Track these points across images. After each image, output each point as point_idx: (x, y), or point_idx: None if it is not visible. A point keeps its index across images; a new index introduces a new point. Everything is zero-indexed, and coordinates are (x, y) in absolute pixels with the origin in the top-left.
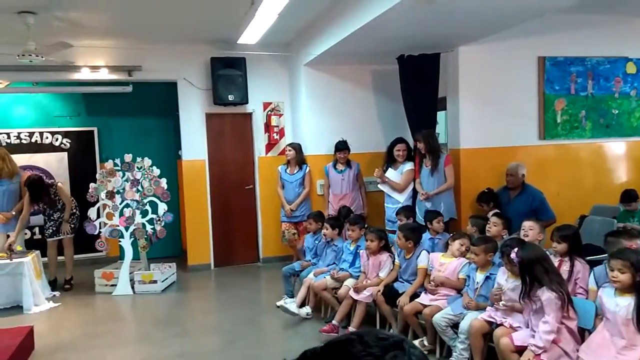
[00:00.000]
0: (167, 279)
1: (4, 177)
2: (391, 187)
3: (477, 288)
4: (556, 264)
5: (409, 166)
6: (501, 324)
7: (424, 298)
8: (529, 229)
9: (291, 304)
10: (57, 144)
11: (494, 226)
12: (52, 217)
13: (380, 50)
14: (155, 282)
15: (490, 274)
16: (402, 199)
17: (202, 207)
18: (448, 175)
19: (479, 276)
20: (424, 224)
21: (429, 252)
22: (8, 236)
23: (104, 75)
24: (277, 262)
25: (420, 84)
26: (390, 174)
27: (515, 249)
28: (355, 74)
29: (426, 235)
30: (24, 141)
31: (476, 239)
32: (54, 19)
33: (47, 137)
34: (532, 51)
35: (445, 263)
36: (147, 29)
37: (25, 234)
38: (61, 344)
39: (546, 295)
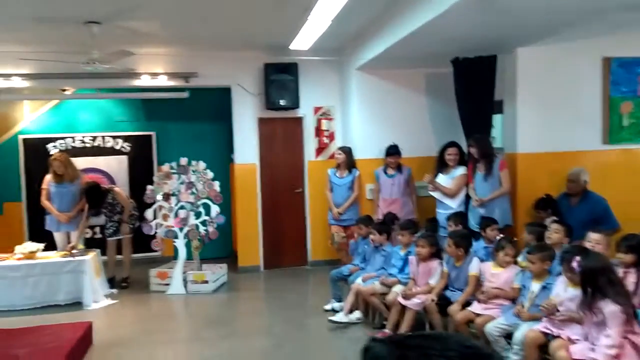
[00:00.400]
0: (218, 279)
1: (66, 180)
2: (442, 193)
3: (532, 298)
4: (621, 275)
5: (461, 171)
6: (558, 336)
7: (476, 307)
8: (596, 243)
9: (340, 315)
10: (117, 147)
11: (554, 233)
12: (112, 218)
13: (434, 53)
14: (206, 282)
15: (547, 283)
16: (455, 204)
17: (252, 209)
18: (503, 180)
19: (535, 285)
20: (477, 230)
21: (482, 261)
22: (69, 235)
23: (163, 81)
24: (325, 265)
25: (475, 86)
26: (441, 179)
27: (578, 258)
28: (407, 78)
29: (480, 244)
30: (87, 145)
31: (533, 247)
32: (116, 29)
33: (108, 141)
34: (596, 52)
35: (496, 273)
36: (203, 37)
37: (87, 233)
38: (117, 340)
39: (610, 307)
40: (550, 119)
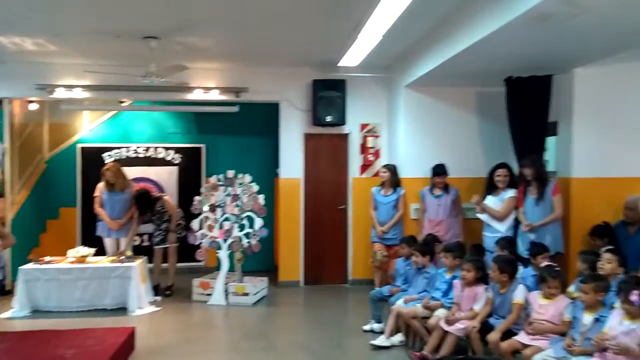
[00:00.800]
0: (258, 292)
1: (117, 189)
2: (490, 216)
3: (584, 331)
4: None
5: (510, 193)
6: None
7: (523, 336)
8: None
9: (382, 339)
10: (168, 158)
11: (607, 263)
12: (160, 227)
13: (486, 72)
14: (247, 294)
15: (601, 315)
16: (503, 228)
17: (295, 224)
18: (556, 205)
19: (587, 317)
20: (526, 257)
21: (530, 289)
22: (118, 241)
23: (214, 95)
24: (365, 285)
25: (529, 107)
26: (490, 201)
27: (637, 290)
28: (457, 96)
29: (529, 271)
30: (140, 155)
31: (586, 277)
32: (173, 44)
33: (160, 152)
34: None
35: (545, 305)
36: (255, 53)
37: (135, 240)
38: (159, 347)
39: None
40: (608, 142)
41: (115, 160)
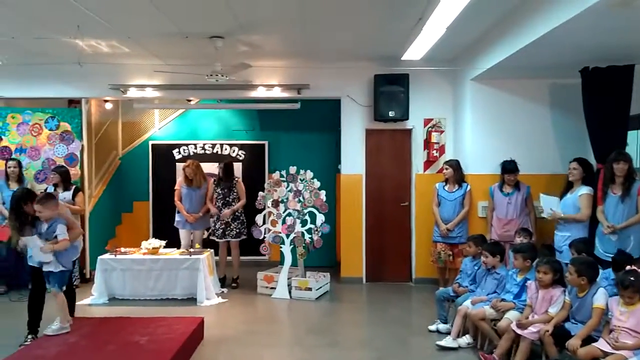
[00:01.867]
0: (321, 287)
1: (195, 185)
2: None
3: None
4: None
5: (585, 190)
6: None
7: (603, 344)
8: None
9: (449, 340)
10: (234, 155)
11: None
12: (218, 220)
13: (560, 63)
14: (310, 289)
15: None
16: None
17: (357, 220)
18: None
19: None
20: (605, 259)
21: (611, 294)
22: (192, 233)
23: (277, 93)
24: (430, 284)
25: (608, 99)
26: (564, 199)
27: None
28: (528, 88)
29: (609, 273)
30: (207, 152)
31: None
32: (237, 43)
33: (226, 149)
34: None
35: (626, 312)
36: (316, 50)
37: (204, 234)
38: (226, 337)
39: None
40: None
41: (193, 158)
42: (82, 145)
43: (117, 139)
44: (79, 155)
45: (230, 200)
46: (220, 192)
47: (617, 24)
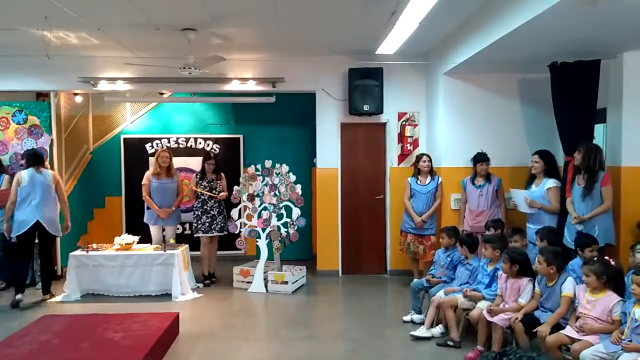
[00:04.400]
0: (297, 281)
1: (166, 176)
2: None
3: (636, 326)
4: None
5: (551, 184)
6: None
7: (571, 331)
8: None
9: (422, 330)
10: (208, 149)
11: (637, 253)
12: (205, 207)
13: (530, 57)
14: (286, 283)
15: None
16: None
17: (332, 214)
18: (605, 196)
19: (638, 312)
20: (573, 247)
21: (577, 282)
22: (163, 229)
23: (251, 86)
24: (405, 275)
25: (575, 93)
26: (532, 192)
27: None
28: (499, 83)
29: (577, 262)
30: (181, 145)
31: (639, 269)
32: (211, 35)
33: (200, 143)
34: None
35: (593, 300)
36: (290, 43)
37: (178, 228)
38: (202, 332)
39: None
40: None
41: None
42: (52, 140)
43: (87, 133)
44: (48, 150)
45: (217, 193)
46: (206, 185)
47: (584, 21)
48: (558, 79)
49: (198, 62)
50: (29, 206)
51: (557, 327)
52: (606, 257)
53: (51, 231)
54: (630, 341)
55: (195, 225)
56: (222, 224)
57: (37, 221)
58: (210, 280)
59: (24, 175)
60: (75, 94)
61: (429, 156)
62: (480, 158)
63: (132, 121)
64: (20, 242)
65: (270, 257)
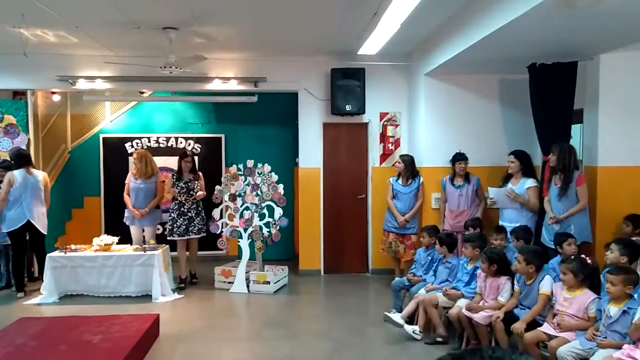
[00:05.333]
0: (279, 281)
1: (141, 176)
2: (523, 205)
3: (610, 323)
4: None
5: (530, 183)
6: None
7: (548, 328)
8: None
9: (395, 315)
10: (189, 148)
11: (610, 253)
12: (183, 209)
13: (509, 59)
14: (268, 283)
15: (628, 307)
16: (523, 218)
17: (315, 214)
18: (581, 195)
19: (613, 309)
20: (551, 246)
21: (556, 280)
22: (143, 230)
23: (233, 86)
24: (386, 274)
25: (553, 94)
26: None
27: None
28: (479, 84)
29: (557, 260)
30: (161, 145)
31: (614, 268)
32: (192, 34)
33: (181, 142)
34: None
35: (570, 298)
36: (272, 43)
37: (158, 229)
38: (183, 333)
39: None
40: (635, 130)
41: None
42: (29, 139)
43: (65, 132)
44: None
45: (194, 194)
46: (183, 185)
47: (562, 23)
48: (536, 80)
49: (179, 61)
50: (19, 206)
51: (534, 325)
52: (582, 256)
53: (41, 229)
54: (605, 338)
55: (170, 228)
56: (200, 226)
57: (28, 220)
58: (191, 282)
59: (17, 176)
60: (53, 93)
61: (404, 159)
62: (459, 157)
63: (111, 120)
64: (12, 239)
65: (252, 257)
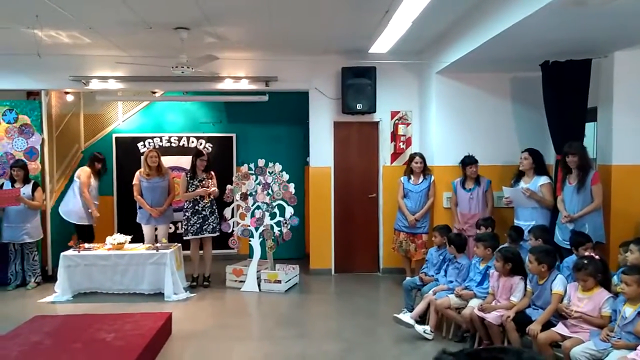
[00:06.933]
0: (290, 280)
1: (156, 175)
2: (539, 203)
3: (624, 324)
4: None
5: (544, 180)
6: None
7: (562, 328)
8: None
9: (405, 315)
10: (200, 147)
11: (631, 253)
12: (195, 215)
13: (522, 57)
14: (279, 282)
15: None
16: (537, 217)
17: (325, 213)
18: (596, 194)
19: (628, 310)
20: (564, 246)
21: (569, 281)
22: (155, 229)
23: (244, 85)
24: (397, 273)
25: (567, 92)
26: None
27: None
28: (491, 82)
29: (572, 259)
30: (173, 144)
31: (628, 268)
32: (203, 34)
33: (192, 142)
34: None
35: (584, 298)
36: (283, 42)
37: (170, 228)
38: (195, 332)
39: None
40: None
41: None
42: (43, 139)
43: (79, 132)
44: (39, 149)
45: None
46: (197, 184)
47: (575, 21)
48: (549, 78)
49: (191, 61)
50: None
51: (548, 325)
52: (589, 253)
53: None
54: (620, 339)
55: (185, 227)
56: (214, 225)
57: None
58: (203, 285)
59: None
60: (67, 93)
61: (421, 156)
62: (468, 161)
63: (123, 120)
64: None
65: (263, 256)
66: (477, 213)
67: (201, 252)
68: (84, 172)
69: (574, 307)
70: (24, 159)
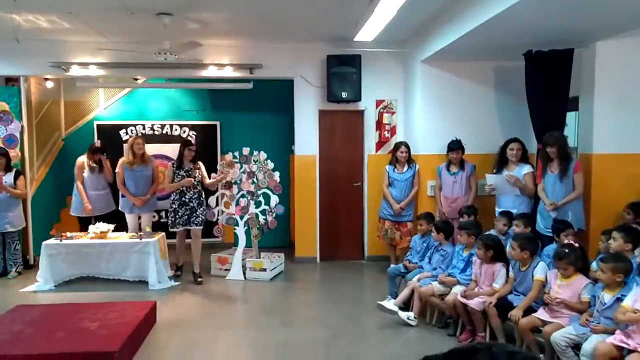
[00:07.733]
0: (275, 268)
1: (140, 164)
2: (522, 191)
3: (602, 309)
4: None
5: (527, 169)
6: (635, 350)
7: (543, 313)
8: None
9: (389, 302)
10: (184, 135)
11: (614, 241)
12: (182, 207)
13: (505, 46)
14: (264, 270)
15: (622, 295)
16: (519, 205)
17: (311, 201)
18: (577, 183)
19: (607, 296)
20: (546, 234)
21: (549, 268)
22: (139, 218)
23: (228, 72)
24: (382, 261)
25: (549, 82)
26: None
27: None
28: (475, 71)
29: (553, 247)
30: (156, 132)
31: (606, 256)
32: (187, 20)
33: (176, 129)
34: None
35: (563, 284)
36: (268, 29)
37: (154, 216)
38: (179, 321)
39: None
40: (630, 118)
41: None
42: (22, 126)
43: (59, 119)
44: (18, 137)
45: (196, 183)
46: (184, 174)
47: (558, 11)
48: (532, 67)
49: (173, 47)
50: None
51: (529, 310)
52: (569, 240)
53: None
54: (599, 323)
55: (172, 219)
56: (202, 216)
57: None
58: (195, 281)
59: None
60: (46, 79)
61: (407, 145)
62: (453, 147)
63: (105, 107)
64: None
65: (248, 245)
66: (460, 197)
67: (188, 240)
68: (77, 163)
69: (553, 294)
70: (3, 147)
